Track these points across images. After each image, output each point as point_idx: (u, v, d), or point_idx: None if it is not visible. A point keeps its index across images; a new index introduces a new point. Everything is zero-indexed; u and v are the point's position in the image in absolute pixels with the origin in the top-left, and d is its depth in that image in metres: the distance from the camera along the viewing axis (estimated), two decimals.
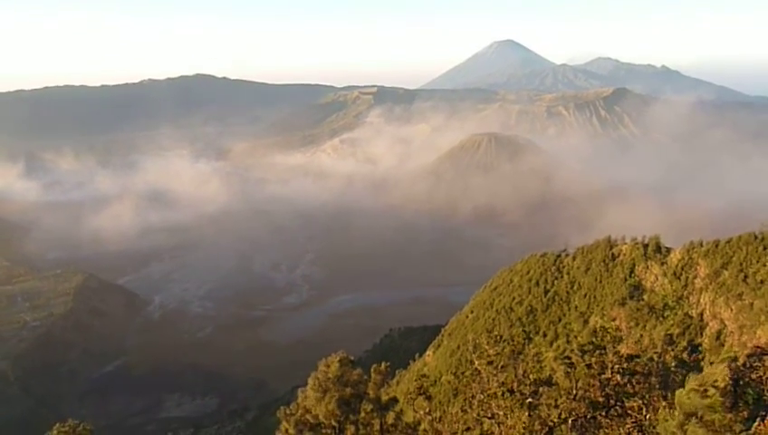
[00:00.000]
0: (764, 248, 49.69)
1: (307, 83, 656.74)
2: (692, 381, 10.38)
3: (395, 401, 21.20)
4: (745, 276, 49.20)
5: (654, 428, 13.91)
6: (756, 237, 51.40)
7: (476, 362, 17.83)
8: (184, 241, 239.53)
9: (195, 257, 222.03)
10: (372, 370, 22.81)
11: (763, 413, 12.70)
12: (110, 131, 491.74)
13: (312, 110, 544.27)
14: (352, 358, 22.61)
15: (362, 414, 20.39)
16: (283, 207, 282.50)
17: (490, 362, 17.21)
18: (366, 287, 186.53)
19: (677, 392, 10.60)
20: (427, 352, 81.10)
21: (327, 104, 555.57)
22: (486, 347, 17.67)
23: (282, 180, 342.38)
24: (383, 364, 23.33)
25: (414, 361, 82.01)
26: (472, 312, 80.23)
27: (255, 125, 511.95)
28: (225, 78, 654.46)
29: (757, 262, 49.41)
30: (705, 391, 10.03)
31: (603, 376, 15.34)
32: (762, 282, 47.27)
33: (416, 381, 20.90)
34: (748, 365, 14.63)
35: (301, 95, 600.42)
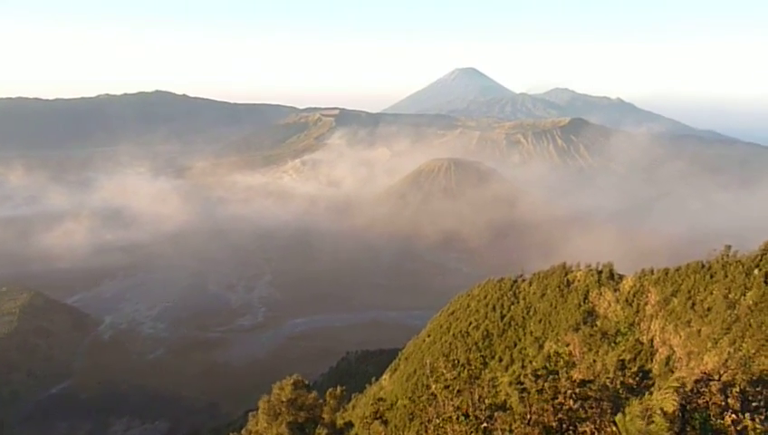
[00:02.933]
0: (711, 277, 51.21)
1: (268, 103, 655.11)
2: (637, 406, 10.59)
3: (350, 425, 21.02)
4: (693, 304, 50.55)
5: None
6: (703, 266, 52.95)
7: (433, 386, 17.82)
8: (139, 260, 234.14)
9: (149, 277, 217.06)
10: (327, 394, 22.61)
11: None
12: (65, 147, 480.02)
13: (274, 130, 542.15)
14: (307, 381, 22.38)
15: None
16: (242, 226, 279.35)
17: (446, 387, 17.23)
18: (324, 310, 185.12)
19: (618, 417, 10.81)
20: (384, 376, 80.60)
21: (288, 125, 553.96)
22: (443, 371, 17.70)
23: (242, 200, 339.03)
24: (339, 388, 23.16)
25: (370, 384, 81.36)
26: (429, 336, 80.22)
27: (216, 144, 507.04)
28: (185, 95, 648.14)
29: (704, 290, 50.86)
30: (651, 416, 10.24)
31: (556, 401, 15.48)
32: (709, 309, 48.65)
33: (372, 405, 20.78)
34: (695, 391, 15.01)
35: (262, 115, 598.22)
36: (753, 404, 15.72)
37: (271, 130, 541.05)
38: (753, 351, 41.18)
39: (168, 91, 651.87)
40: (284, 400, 19.97)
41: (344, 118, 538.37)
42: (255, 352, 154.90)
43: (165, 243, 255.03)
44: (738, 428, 13.36)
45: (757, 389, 16.99)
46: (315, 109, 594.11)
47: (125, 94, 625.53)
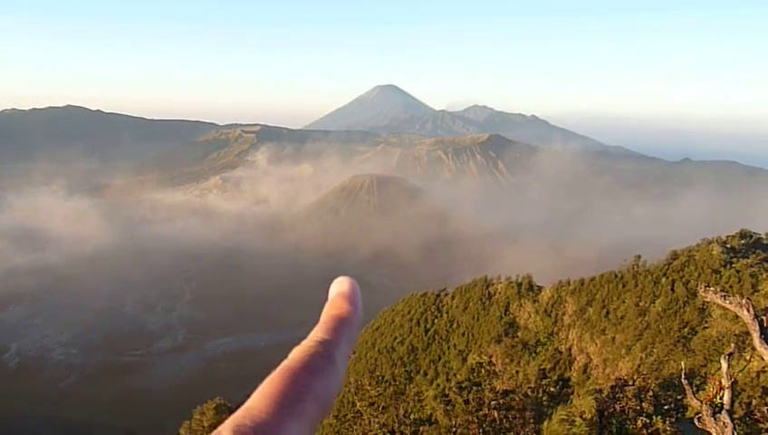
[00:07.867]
0: (623, 286, 53.74)
1: (187, 120, 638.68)
2: (560, 413, 10.81)
3: None
4: (607, 312, 52.83)
5: None
6: (616, 276, 55.54)
7: (358, 404, 17.64)
8: (51, 283, 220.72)
9: (61, 300, 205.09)
10: None
11: None
12: None
13: (194, 147, 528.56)
14: (231, 405, 21.66)
15: None
16: (164, 247, 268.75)
17: (371, 404, 17.08)
18: (248, 329, 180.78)
19: (545, 424, 11.01)
20: None
21: (209, 141, 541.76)
22: (368, 388, 17.56)
23: (164, 219, 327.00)
24: None
25: None
26: (354, 352, 79.81)
27: (134, 160, 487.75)
28: (99, 111, 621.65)
29: (617, 299, 53.29)
30: (573, 421, 10.46)
31: (481, 412, 15.63)
32: (622, 317, 50.94)
33: None
34: (612, 396, 15.55)
35: (181, 131, 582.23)
36: (665, 407, 16.46)
37: (191, 147, 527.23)
38: (662, 356, 43.36)
39: (80, 106, 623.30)
40: (206, 425, 19.22)
41: (266, 134, 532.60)
42: (175, 375, 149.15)
43: (80, 265, 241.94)
44: (650, 430, 13.93)
45: (668, 392, 17.81)
46: (236, 125, 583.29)
47: (33, 109, 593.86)
